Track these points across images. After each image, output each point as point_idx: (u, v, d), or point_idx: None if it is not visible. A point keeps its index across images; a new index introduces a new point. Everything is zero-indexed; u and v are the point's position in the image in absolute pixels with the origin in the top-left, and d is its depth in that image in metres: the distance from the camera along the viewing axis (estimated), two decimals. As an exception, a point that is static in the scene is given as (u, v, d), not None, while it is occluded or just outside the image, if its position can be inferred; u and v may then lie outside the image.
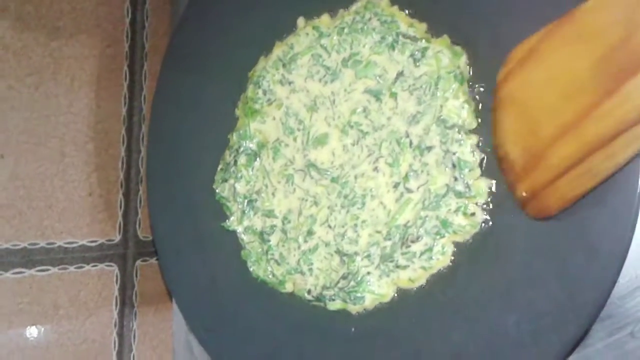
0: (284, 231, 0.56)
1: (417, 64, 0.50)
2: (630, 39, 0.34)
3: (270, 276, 0.56)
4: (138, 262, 0.71)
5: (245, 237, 0.58)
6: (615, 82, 0.35)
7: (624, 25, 0.35)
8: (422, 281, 0.48)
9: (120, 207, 0.71)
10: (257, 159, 0.58)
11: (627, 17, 0.34)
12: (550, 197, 0.40)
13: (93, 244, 0.67)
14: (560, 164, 0.39)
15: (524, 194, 0.42)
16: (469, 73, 0.48)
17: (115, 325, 0.68)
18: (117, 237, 0.70)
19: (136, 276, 0.71)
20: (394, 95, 0.51)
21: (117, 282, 0.69)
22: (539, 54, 0.40)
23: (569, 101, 0.38)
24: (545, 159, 0.40)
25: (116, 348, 0.68)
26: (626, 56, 0.35)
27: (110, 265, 0.69)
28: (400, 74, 0.51)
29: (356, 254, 0.51)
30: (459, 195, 0.47)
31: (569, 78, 0.38)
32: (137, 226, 0.72)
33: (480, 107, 0.47)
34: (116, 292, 0.69)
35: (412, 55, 0.50)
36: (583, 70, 0.37)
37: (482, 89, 0.47)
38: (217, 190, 0.60)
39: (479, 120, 0.47)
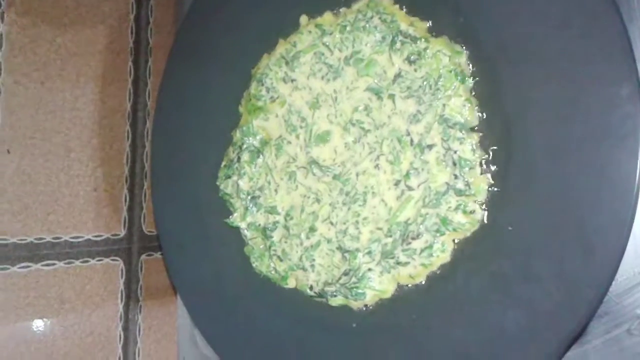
0: (286, 227, 0.56)
1: (414, 66, 0.50)
2: None
3: (272, 272, 0.57)
4: (143, 257, 0.72)
5: (248, 233, 0.59)
6: None
7: None
8: (422, 278, 0.49)
9: (125, 202, 0.71)
10: (260, 155, 0.58)
11: None
12: None
13: (98, 239, 0.68)
14: None
15: None
16: (470, 71, 0.48)
17: (120, 319, 0.69)
18: (122, 232, 0.70)
19: (141, 270, 0.71)
20: (391, 97, 0.51)
21: (122, 276, 0.70)
22: None
23: None
24: None
25: (121, 341, 0.69)
26: None
27: (116, 260, 0.69)
28: (397, 75, 0.51)
29: (357, 250, 0.51)
30: (459, 193, 0.47)
31: None
32: (142, 221, 0.72)
33: (482, 104, 0.47)
34: (121, 286, 0.70)
35: (407, 58, 0.51)
36: None
37: (483, 87, 0.47)
38: (220, 187, 0.60)
39: (481, 117, 0.47)
